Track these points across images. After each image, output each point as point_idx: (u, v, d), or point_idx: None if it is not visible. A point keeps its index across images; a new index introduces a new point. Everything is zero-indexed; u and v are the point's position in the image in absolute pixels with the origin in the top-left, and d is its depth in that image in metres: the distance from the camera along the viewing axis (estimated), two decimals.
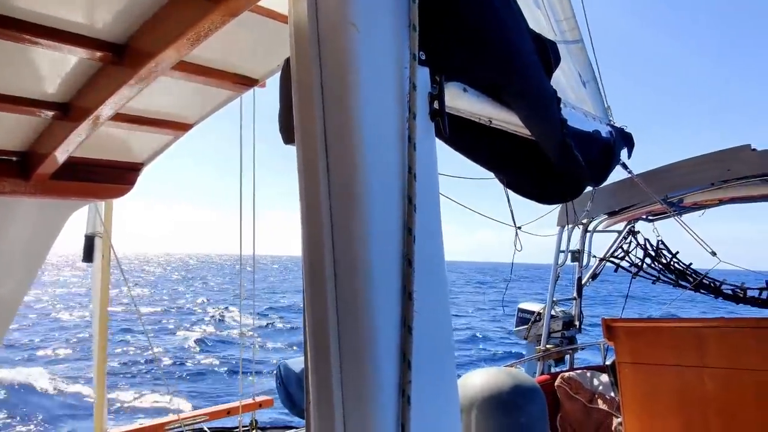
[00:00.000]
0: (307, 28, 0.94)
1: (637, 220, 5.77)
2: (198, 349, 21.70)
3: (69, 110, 1.84)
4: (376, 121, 0.91)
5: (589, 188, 2.41)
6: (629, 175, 3.64)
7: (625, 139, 3.01)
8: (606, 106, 3.69)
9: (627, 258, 5.73)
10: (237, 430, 4.01)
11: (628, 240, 5.82)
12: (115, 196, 2.60)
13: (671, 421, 2.55)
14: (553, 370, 5.36)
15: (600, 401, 4.44)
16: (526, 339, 6.04)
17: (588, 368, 4.87)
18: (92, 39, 1.44)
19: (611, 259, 5.78)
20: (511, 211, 2.98)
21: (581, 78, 3.52)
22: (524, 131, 1.73)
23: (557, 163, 1.85)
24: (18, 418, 12.04)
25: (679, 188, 4.63)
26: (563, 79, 3.15)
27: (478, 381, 1.15)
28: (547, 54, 1.62)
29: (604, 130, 2.70)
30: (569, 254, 5.68)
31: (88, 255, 3.59)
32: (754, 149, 4.18)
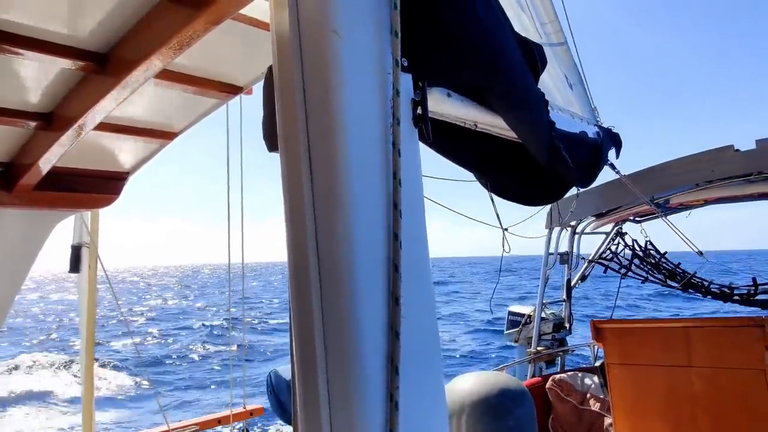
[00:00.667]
0: (288, 36, 0.94)
1: (624, 221, 5.81)
2: (189, 358, 21.53)
3: (52, 120, 1.83)
4: (359, 128, 0.91)
5: (574, 190, 2.43)
6: (616, 177, 3.67)
7: (612, 140, 3.03)
8: (593, 107, 3.72)
9: (615, 259, 5.77)
10: None
11: (616, 241, 5.87)
12: (101, 205, 2.58)
13: (660, 421, 2.56)
14: (544, 372, 5.38)
15: (591, 402, 4.46)
16: (516, 342, 6.05)
17: (579, 370, 4.90)
18: (74, 49, 1.44)
19: (600, 260, 5.82)
20: (497, 214, 2.99)
21: (568, 80, 3.54)
22: (510, 134, 1.74)
23: (546, 165, 1.86)
24: None
25: (665, 189, 4.68)
26: (550, 82, 3.18)
27: (465, 386, 1.15)
28: (533, 57, 1.62)
29: (592, 131, 2.72)
30: (558, 256, 5.71)
31: (75, 265, 3.56)
32: (737, 150, 4.24)
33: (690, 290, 5.44)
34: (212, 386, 16.62)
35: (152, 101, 1.95)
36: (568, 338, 5.87)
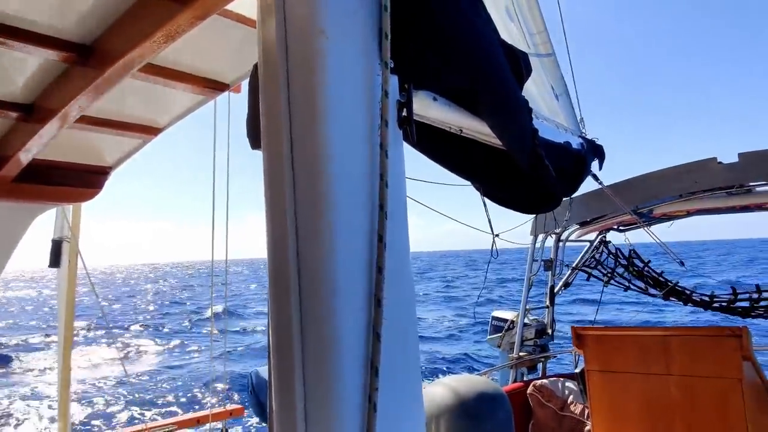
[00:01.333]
0: (275, 34, 0.93)
1: (608, 230, 5.87)
2: (168, 356, 21.31)
3: (33, 112, 1.80)
4: (344, 128, 0.90)
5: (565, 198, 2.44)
6: (600, 186, 3.70)
7: (596, 151, 3.06)
8: (579, 118, 3.76)
9: (599, 267, 5.82)
10: None
11: (600, 250, 5.92)
12: (82, 200, 2.54)
13: (638, 428, 2.59)
14: (525, 377, 5.40)
15: (571, 408, 4.49)
16: (499, 347, 6.07)
17: (560, 376, 4.93)
18: (57, 39, 1.41)
19: (583, 268, 5.87)
20: (489, 219, 3.01)
21: (554, 91, 3.58)
22: (494, 141, 1.75)
23: (528, 172, 1.87)
24: None
25: (648, 199, 4.73)
26: (536, 92, 3.20)
27: (443, 389, 1.15)
28: (518, 65, 1.63)
29: (576, 142, 2.74)
30: (542, 263, 5.75)
31: (55, 260, 3.51)
32: (720, 162, 4.30)
33: (671, 298, 5.51)
34: (192, 384, 16.47)
35: (136, 95, 1.93)
36: (550, 344, 5.91)
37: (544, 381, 4.74)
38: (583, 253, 6.01)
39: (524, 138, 1.73)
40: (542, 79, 3.46)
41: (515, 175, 1.90)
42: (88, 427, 12.03)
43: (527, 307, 5.66)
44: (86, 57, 1.46)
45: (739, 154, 4.21)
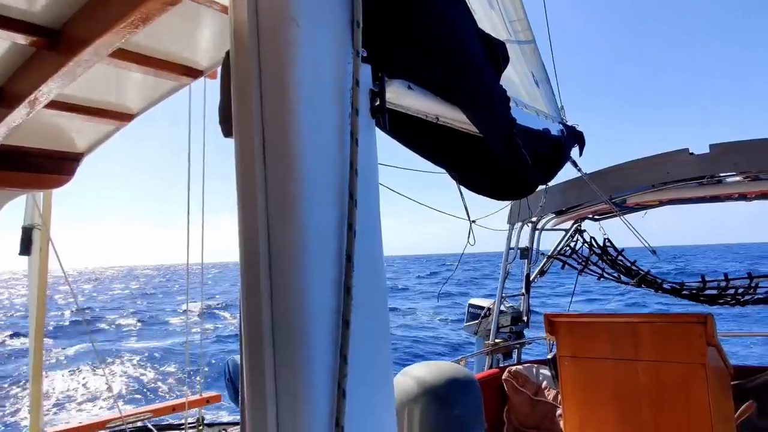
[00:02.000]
0: (246, 21, 0.93)
1: (583, 219, 5.96)
2: (143, 345, 21.10)
3: (1, 96, 1.75)
4: (315, 116, 0.91)
5: (541, 187, 2.47)
6: (578, 175, 3.75)
7: (576, 138, 3.09)
8: (559, 105, 3.79)
9: (574, 256, 5.92)
10: (183, 426, 3.92)
11: (575, 238, 6.02)
12: (53, 186, 2.49)
13: (607, 412, 2.66)
14: (501, 364, 5.49)
15: (545, 394, 4.59)
16: (476, 334, 6.15)
17: (534, 362, 5.02)
18: (25, 23, 1.38)
19: (558, 256, 5.96)
20: (465, 206, 3.03)
21: (534, 78, 3.60)
22: (472, 128, 1.76)
23: (504, 161, 1.88)
24: None
25: (623, 189, 4.81)
26: (516, 79, 3.22)
27: (413, 376, 1.17)
28: (495, 54, 1.63)
29: (555, 129, 2.76)
30: (518, 251, 5.82)
31: (26, 248, 3.44)
32: (691, 153, 4.39)
33: (643, 286, 5.64)
34: (168, 373, 16.36)
35: (108, 81, 1.90)
36: (525, 331, 6.01)
37: (519, 367, 4.83)
38: (558, 242, 6.11)
39: (501, 128, 1.74)
40: (523, 66, 3.48)
41: (491, 162, 1.92)
42: (61, 417, 11.89)
43: (503, 294, 5.74)
44: (55, 41, 1.43)
45: (710, 145, 4.30)
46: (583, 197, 5.11)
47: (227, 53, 1.10)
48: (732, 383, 2.94)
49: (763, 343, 17.35)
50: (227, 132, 1.14)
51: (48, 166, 2.36)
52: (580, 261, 5.80)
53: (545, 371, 4.77)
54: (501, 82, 1.74)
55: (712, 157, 4.24)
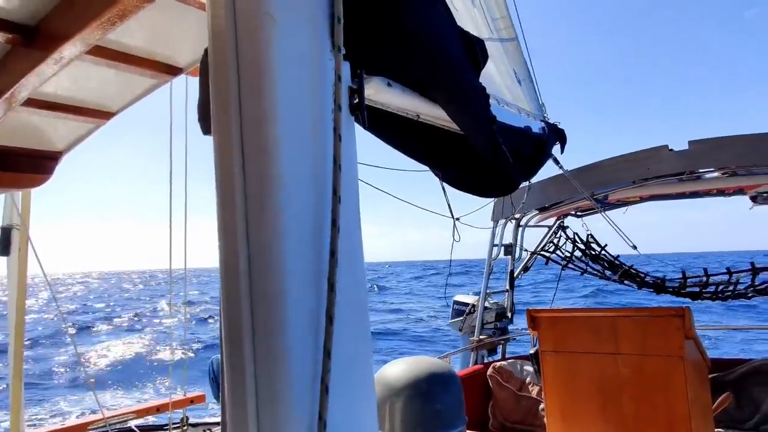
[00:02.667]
0: (223, 18, 0.92)
1: (566, 215, 6.02)
2: (127, 346, 20.87)
3: None
4: (294, 113, 0.91)
5: (523, 184, 2.49)
6: (560, 172, 3.79)
7: (557, 135, 3.12)
8: (541, 103, 3.82)
9: (557, 252, 5.97)
10: (167, 427, 3.89)
11: (558, 234, 6.07)
12: (32, 185, 2.46)
13: (588, 405, 2.70)
14: (486, 360, 5.53)
15: (529, 389, 4.64)
16: (461, 330, 6.19)
17: (518, 358, 5.07)
18: (1, 20, 1.36)
19: (542, 252, 6.01)
20: (448, 203, 3.04)
21: (516, 76, 3.62)
22: (453, 126, 1.77)
23: (486, 158, 1.90)
24: None
25: (604, 185, 4.87)
26: (498, 77, 3.23)
27: (394, 371, 1.18)
28: (474, 51, 1.65)
29: (537, 126, 2.78)
30: (502, 248, 5.86)
31: (4, 248, 3.39)
32: (671, 150, 4.45)
33: (626, 281, 5.71)
34: (153, 373, 16.19)
35: (86, 79, 1.87)
36: (510, 327, 6.06)
37: (503, 363, 4.87)
38: (542, 238, 6.16)
39: (482, 125, 1.75)
40: (505, 64, 3.50)
41: (473, 160, 1.93)
42: (43, 418, 11.72)
43: (487, 291, 5.77)
44: (31, 38, 1.41)
45: (689, 141, 4.37)
46: (565, 194, 5.16)
47: (206, 50, 1.10)
48: (710, 376, 3.00)
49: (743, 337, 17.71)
50: (206, 129, 1.14)
51: (26, 166, 2.33)
52: (564, 257, 5.86)
53: (529, 367, 4.82)
54: (482, 80, 1.76)
55: (691, 154, 4.31)
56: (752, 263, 4.86)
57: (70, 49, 1.32)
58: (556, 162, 3.45)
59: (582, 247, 5.82)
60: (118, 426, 3.64)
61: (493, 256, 5.75)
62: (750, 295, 4.90)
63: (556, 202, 5.40)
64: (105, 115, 2.14)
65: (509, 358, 5.18)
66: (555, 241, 6.01)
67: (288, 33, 0.90)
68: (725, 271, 5.02)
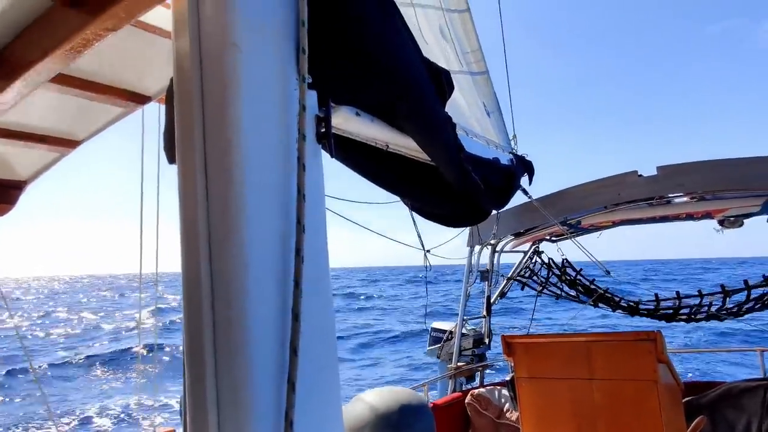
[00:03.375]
0: (188, 48, 0.92)
1: (541, 240, 6.08)
2: (93, 378, 20.14)
3: None
4: (259, 142, 0.90)
5: (493, 212, 2.52)
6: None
7: (525, 167, 3.18)
8: (512, 135, 3.90)
9: (534, 277, 6.02)
10: None
11: (533, 260, 6.13)
12: None
13: (564, 430, 2.68)
14: (464, 387, 5.48)
15: (507, 416, 4.60)
16: (439, 358, 6.14)
17: (497, 384, 5.04)
18: None
19: (517, 278, 6.05)
20: (419, 234, 3.04)
21: (486, 108, 3.69)
22: (422, 156, 1.78)
23: (456, 186, 1.91)
24: None
25: (576, 211, 4.94)
26: (467, 109, 3.29)
27: (363, 403, 1.16)
28: (440, 81, 1.67)
29: (505, 158, 2.83)
30: (479, 274, 5.88)
31: None
32: (640, 175, 4.56)
33: (601, 305, 5.77)
34: (120, 407, 15.60)
35: (51, 107, 1.84)
36: (487, 353, 6.04)
37: (482, 390, 4.84)
38: (517, 264, 6.20)
39: (449, 153, 1.77)
40: (474, 97, 3.57)
41: (443, 190, 1.94)
42: None
43: (464, 317, 5.76)
44: None
45: (657, 167, 4.48)
46: (538, 219, 5.23)
47: (171, 80, 1.09)
48: (684, 399, 3.02)
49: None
50: (172, 159, 1.13)
51: None
52: (539, 282, 5.90)
53: (507, 393, 4.79)
54: (451, 112, 1.78)
55: (660, 179, 4.42)
56: (722, 286, 4.95)
57: (33, 77, 1.30)
58: (525, 192, 3.51)
59: (557, 272, 5.88)
60: None
61: (469, 282, 5.76)
62: (723, 317, 4.98)
63: (529, 228, 5.46)
64: (70, 143, 2.10)
65: (487, 385, 5.14)
66: (530, 266, 6.05)
67: (253, 62, 0.90)
68: (696, 293, 5.11)
